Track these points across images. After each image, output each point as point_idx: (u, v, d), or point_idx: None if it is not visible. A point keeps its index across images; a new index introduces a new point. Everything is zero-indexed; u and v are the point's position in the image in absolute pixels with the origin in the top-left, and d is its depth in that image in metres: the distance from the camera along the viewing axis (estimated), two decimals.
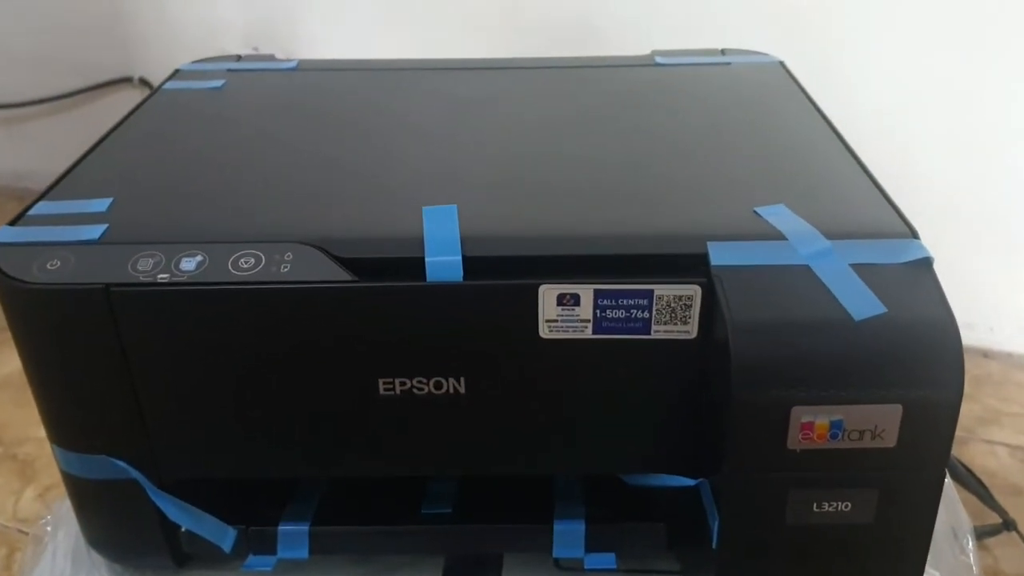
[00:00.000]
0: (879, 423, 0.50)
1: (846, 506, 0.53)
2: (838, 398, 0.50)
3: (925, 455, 0.52)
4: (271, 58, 0.94)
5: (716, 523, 0.54)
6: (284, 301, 0.55)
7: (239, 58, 0.94)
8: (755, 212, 0.58)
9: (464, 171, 0.66)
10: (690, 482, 0.59)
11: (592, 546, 0.63)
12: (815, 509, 0.53)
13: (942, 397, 0.50)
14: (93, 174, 0.66)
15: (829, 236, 0.56)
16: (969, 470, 1.10)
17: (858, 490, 0.53)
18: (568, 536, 0.63)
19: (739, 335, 0.50)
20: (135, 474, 0.60)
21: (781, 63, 0.88)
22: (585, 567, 0.63)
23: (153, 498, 0.61)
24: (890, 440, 0.51)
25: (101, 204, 0.61)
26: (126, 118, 0.76)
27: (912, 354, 0.50)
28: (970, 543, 0.74)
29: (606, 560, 0.63)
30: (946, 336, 0.50)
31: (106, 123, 0.74)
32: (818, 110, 0.76)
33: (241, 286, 0.54)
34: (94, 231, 0.58)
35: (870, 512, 0.53)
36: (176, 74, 0.89)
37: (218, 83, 0.85)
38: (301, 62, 0.91)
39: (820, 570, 0.56)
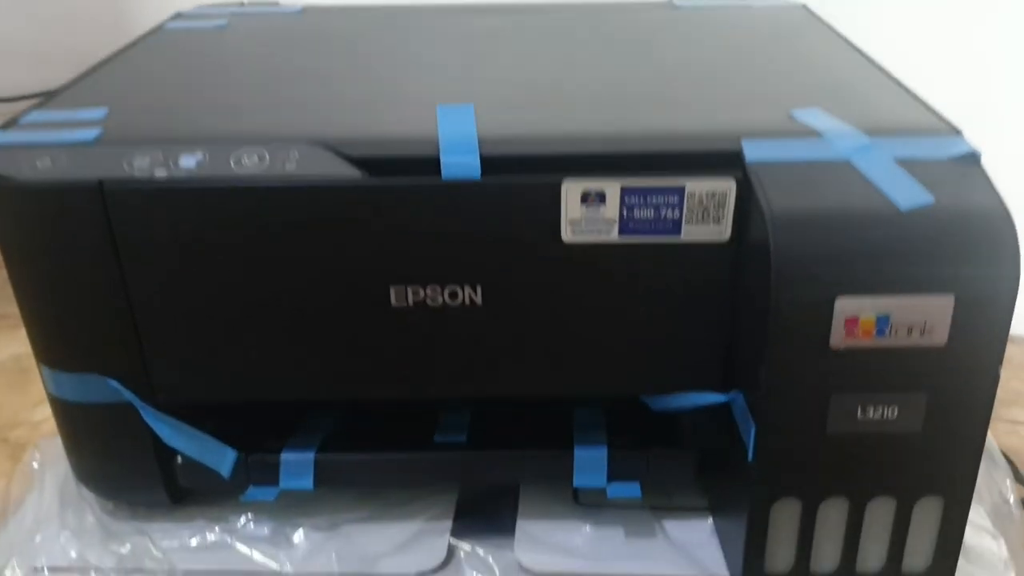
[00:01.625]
0: (928, 318, 0.47)
1: (892, 412, 0.49)
2: (885, 288, 0.46)
3: (978, 354, 0.48)
4: (275, 3, 0.91)
5: (752, 433, 0.51)
6: (290, 199, 0.51)
7: (242, 3, 0.91)
8: (791, 115, 0.55)
9: (482, 81, 0.63)
10: (721, 398, 0.55)
11: (615, 474, 0.59)
12: (859, 416, 0.50)
13: (996, 286, 0.47)
14: (87, 91, 0.63)
15: (869, 135, 0.52)
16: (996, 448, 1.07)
17: (905, 394, 0.49)
18: (589, 463, 0.59)
19: (779, 227, 0.47)
20: (128, 395, 0.57)
21: (804, 5, 0.85)
22: (608, 496, 0.59)
23: (146, 419, 0.57)
24: (940, 337, 0.47)
25: (97, 112, 0.58)
26: (123, 50, 0.73)
27: (963, 242, 0.47)
28: (1009, 485, 0.71)
29: (630, 489, 0.59)
30: (999, 224, 0.47)
31: None
32: (847, 42, 0.73)
33: (244, 183, 0.51)
34: (88, 133, 0.54)
35: (918, 419, 0.49)
36: (177, 16, 0.85)
37: (221, 22, 0.82)
38: (306, 7, 0.88)
39: (863, 483, 0.52)
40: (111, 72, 0.67)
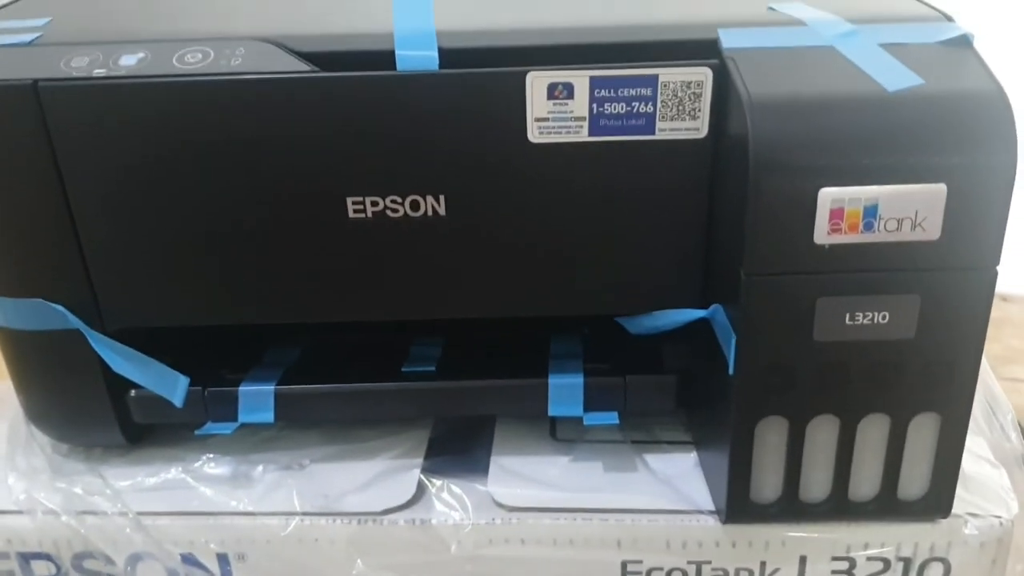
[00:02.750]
0: (920, 208, 0.44)
1: (883, 317, 0.46)
2: (872, 177, 0.43)
3: (973, 249, 0.44)
4: None
5: (733, 344, 0.47)
6: (236, 95, 0.48)
7: None
8: (770, 8, 0.52)
9: None
10: (701, 313, 0.52)
11: (592, 403, 0.56)
12: (847, 322, 0.46)
13: (993, 174, 0.43)
14: (29, 5, 0.59)
15: (853, 23, 0.49)
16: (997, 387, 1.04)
17: (897, 296, 0.45)
18: (565, 391, 0.56)
19: (757, 112, 0.44)
20: (75, 321, 0.54)
21: None
22: (585, 424, 0.56)
23: (94, 346, 0.54)
24: (933, 231, 0.44)
25: (36, 23, 0.54)
26: None
27: (956, 126, 0.43)
28: (1010, 423, 0.67)
29: (608, 418, 0.56)
30: (995, 107, 0.44)
31: None
32: None
33: (187, 79, 0.48)
34: (25, 37, 0.51)
35: (911, 324, 0.46)
36: None
37: None
38: None
39: (854, 399, 0.48)
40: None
